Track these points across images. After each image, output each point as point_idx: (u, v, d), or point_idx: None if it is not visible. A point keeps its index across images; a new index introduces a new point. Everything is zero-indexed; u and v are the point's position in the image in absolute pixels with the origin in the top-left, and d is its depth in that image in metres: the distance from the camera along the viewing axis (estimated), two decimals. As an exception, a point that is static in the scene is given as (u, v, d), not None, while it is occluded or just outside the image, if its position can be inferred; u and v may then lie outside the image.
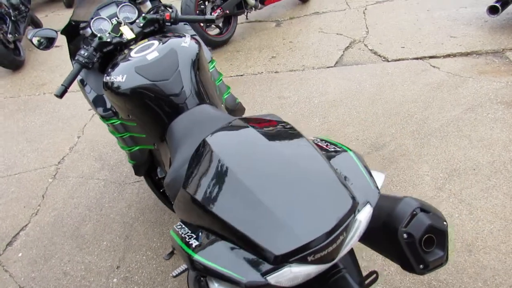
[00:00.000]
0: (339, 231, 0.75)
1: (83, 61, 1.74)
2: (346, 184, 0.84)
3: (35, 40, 1.88)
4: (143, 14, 1.88)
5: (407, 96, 2.90)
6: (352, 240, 0.79)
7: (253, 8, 4.54)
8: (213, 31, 4.31)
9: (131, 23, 1.87)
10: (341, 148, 1.02)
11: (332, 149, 1.03)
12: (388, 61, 3.41)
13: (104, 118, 1.79)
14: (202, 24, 4.06)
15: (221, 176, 0.90)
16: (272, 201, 0.80)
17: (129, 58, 1.54)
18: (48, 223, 2.47)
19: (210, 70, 1.87)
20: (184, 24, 2.03)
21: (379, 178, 0.94)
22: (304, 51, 3.89)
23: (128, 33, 1.82)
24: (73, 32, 1.89)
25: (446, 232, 1.01)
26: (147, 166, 1.92)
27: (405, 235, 1.02)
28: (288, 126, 1.06)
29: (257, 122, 1.08)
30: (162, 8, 1.94)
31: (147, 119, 1.55)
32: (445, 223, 1.02)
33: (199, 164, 1.00)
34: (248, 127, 1.01)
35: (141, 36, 1.86)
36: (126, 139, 1.81)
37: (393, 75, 3.19)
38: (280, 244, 0.74)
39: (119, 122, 1.77)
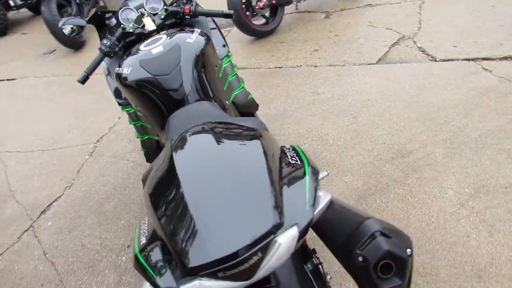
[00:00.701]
0: (252, 251, 0.73)
1: (105, 50, 1.81)
2: (279, 202, 0.81)
3: (67, 28, 1.99)
4: (165, 7, 1.92)
5: (447, 100, 2.70)
6: (271, 262, 0.76)
7: (303, -1, 4.45)
8: (259, 21, 4.29)
9: (154, 14, 1.92)
10: (302, 162, 0.98)
11: (293, 162, 0.99)
12: (436, 61, 3.18)
13: (121, 105, 1.87)
14: (248, 14, 4.05)
15: (168, 180, 0.91)
16: (200, 212, 0.79)
17: (138, 51, 1.59)
18: (78, 197, 2.65)
19: (224, 65, 1.87)
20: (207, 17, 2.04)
21: (325, 198, 0.89)
22: (348, 45, 3.75)
23: (149, 25, 1.87)
24: (99, 21, 1.98)
25: (407, 261, 0.94)
26: (156, 154, 1.98)
27: (360, 258, 0.97)
28: (253, 133, 1.03)
29: (225, 127, 1.06)
30: (184, 1, 1.97)
31: (149, 111, 1.59)
32: (408, 250, 0.94)
33: (159, 164, 1.01)
34: (209, 133, 1.00)
35: (162, 27, 1.90)
36: (138, 127, 1.88)
37: (438, 77, 2.97)
38: (193, 256, 0.74)
39: (132, 111, 1.84)
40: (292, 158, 1.02)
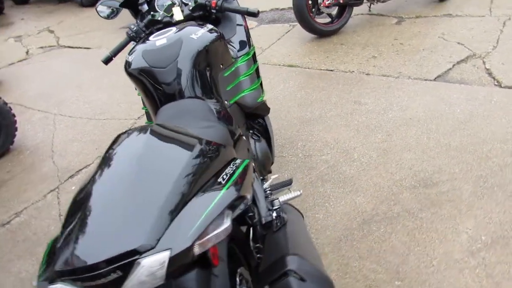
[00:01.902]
0: (110, 268, 0.72)
1: (131, 35, 1.89)
2: (161, 222, 0.79)
3: (103, 10, 2.11)
4: None
5: (497, 133, 2.40)
6: (133, 284, 0.74)
7: (376, 1, 4.21)
8: (323, 19, 4.16)
9: (185, 5, 1.95)
10: (226, 183, 0.94)
11: (220, 180, 0.96)
12: (501, 87, 2.84)
13: (136, 90, 1.95)
14: (313, 11, 3.95)
15: (88, 177, 0.93)
16: (88, 215, 0.80)
17: (145, 41, 1.63)
18: (108, 167, 2.83)
19: (237, 65, 1.85)
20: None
21: (220, 227, 0.84)
22: (410, 56, 3.49)
23: (178, 15, 1.90)
24: (132, 6, 2.06)
25: None
26: None
27: None
28: (191, 144, 1.01)
29: (168, 134, 1.05)
30: None
31: (146, 100, 1.64)
32: None
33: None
34: (143, 136, 1.00)
35: (190, 19, 1.93)
36: (147, 113, 1.95)
37: (496, 105, 2.65)
38: (60, 260, 0.75)
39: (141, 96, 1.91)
40: (224, 175, 0.99)
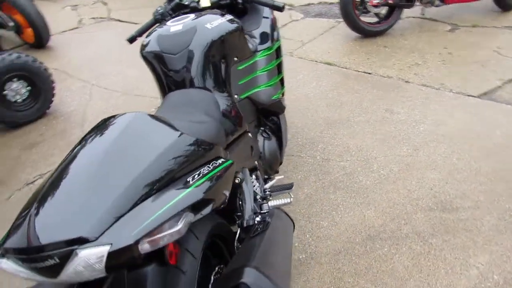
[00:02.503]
0: (47, 254, 0.71)
1: (157, 16, 1.89)
2: (109, 214, 0.77)
3: None
4: None
5: (536, 164, 2.20)
6: (69, 272, 0.73)
7: (430, 4, 3.96)
8: (371, 19, 3.97)
9: None
10: (194, 183, 0.91)
11: (190, 179, 0.93)
12: (551, 114, 2.59)
13: None
14: (360, 8, 3.78)
15: (66, 159, 0.92)
16: (46, 198, 0.80)
17: (163, 26, 1.61)
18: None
19: (256, 59, 1.80)
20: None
21: (172, 228, 0.81)
22: (457, 68, 3.26)
23: (204, 1, 1.87)
24: None
25: None
26: None
27: None
28: (169, 137, 0.98)
29: (151, 123, 1.03)
30: None
31: (157, 84, 1.63)
32: None
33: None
34: (125, 123, 0.98)
35: (217, 7, 1.90)
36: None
37: (541, 133, 2.42)
38: (9, 237, 0.75)
39: None
40: (196, 174, 0.96)
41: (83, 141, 0.96)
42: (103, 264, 0.73)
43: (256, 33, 1.90)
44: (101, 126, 1.01)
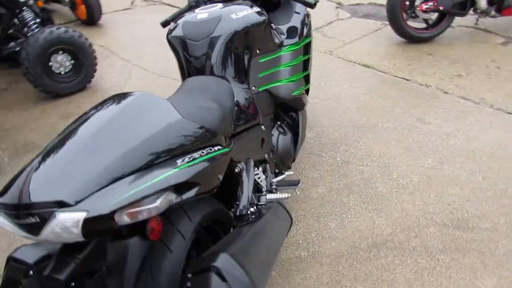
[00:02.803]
0: (28, 212, 0.76)
1: (191, 3, 1.94)
2: (92, 182, 0.81)
3: None
4: None
5: None
6: (47, 233, 0.77)
7: (485, 14, 3.77)
8: (418, 24, 3.84)
9: None
10: (182, 164, 0.94)
11: (180, 161, 0.96)
12: None
13: None
14: (405, 15, 3.67)
15: (69, 127, 0.98)
16: (41, 161, 0.85)
17: (191, 12, 1.65)
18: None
19: (280, 53, 1.80)
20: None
21: (151, 204, 0.84)
22: (502, 83, 3.09)
23: None
24: None
25: None
26: None
27: (188, 283, 0.92)
28: (168, 119, 1.02)
29: (156, 105, 1.07)
30: None
31: (179, 69, 1.68)
32: None
33: None
34: (129, 100, 1.03)
35: None
36: None
37: None
38: (2, 192, 0.81)
39: None
40: (187, 157, 0.99)
41: (89, 112, 1.02)
42: (79, 229, 0.78)
43: (285, 27, 1.91)
44: (108, 101, 1.06)
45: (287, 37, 1.86)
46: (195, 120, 1.09)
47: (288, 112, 1.94)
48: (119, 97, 1.07)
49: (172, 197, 0.91)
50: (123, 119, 0.97)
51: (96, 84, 3.59)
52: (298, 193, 2.06)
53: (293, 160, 1.96)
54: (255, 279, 0.92)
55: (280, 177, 1.77)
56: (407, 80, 3.26)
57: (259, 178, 1.51)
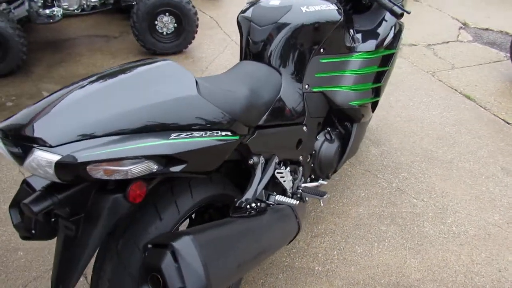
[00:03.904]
0: (16, 142, 0.83)
1: None
2: (79, 131, 0.85)
3: None
4: None
5: None
6: (28, 164, 0.82)
7: None
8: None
9: None
10: (174, 138, 0.95)
11: (175, 134, 0.97)
12: None
13: None
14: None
15: (95, 74, 1.05)
16: (50, 99, 0.91)
17: None
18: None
19: (348, 58, 1.70)
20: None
21: (124, 167, 0.86)
22: None
23: None
24: None
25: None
26: None
27: (146, 252, 0.94)
28: (186, 91, 1.03)
29: (181, 71, 1.08)
30: None
31: (240, 50, 1.68)
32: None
33: None
34: (156, 65, 1.06)
35: None
36: None
37: None
38: (6, 120, 0.89)
39: None
40: (186, 134, 0.99)
41: (112, 68, 1.07)
42: (52, 170, 0.83)
43: (366, 33, 1.79)
44: (135, 62, 1.10)
45: (363, 43, 1.75)
46: (212, 101, 1.09)
47: (343, 121, 1.84)
48: (145, 61, 1.10)
49: (153, 167, 0.92)
50: (136, 81, 1.00)
51: (191, 51, 3.78)
52: (322, 204, 1.96)
53: (334, 171, 1.87)
54: (212, 273, 0.90)
55: (311, 184, 1.69)
56: (508, 123, 2.86)
57: (283, 177, 1.47)
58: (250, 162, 1.31)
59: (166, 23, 3.52)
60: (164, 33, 3.56)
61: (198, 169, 1.07)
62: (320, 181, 1.75)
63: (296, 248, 1.89)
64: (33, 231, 1.04)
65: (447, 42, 4.17)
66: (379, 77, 1.89)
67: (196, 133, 1.02)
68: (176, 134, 0.97)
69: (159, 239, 0.95)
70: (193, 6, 3.57)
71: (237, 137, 1.13)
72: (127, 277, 1.05)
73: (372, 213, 2.08)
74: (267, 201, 1.32)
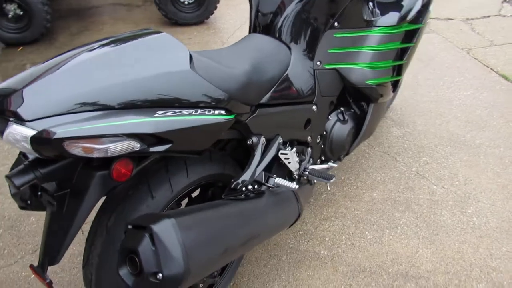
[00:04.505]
0: None
1: None
2: (59, 106, 0.81)
3: None
4: None
5: None
6: (5, 136, 0.79)
7: None
8: None
9: None
10: (159, 116, 0.89)
11: (161, 112, 0.91)
12: None
13: None
14: None
15: (86, 45, 0.99)
16: (38, 69, 0.87)
17: None
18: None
19: (365, 33, 1.57)
20: None
21: (102, 145, 0.82)
22: None
23: None
24: None
25: (145, 276, 0.82)
26: None
27: (125, 233, 0.91)
28: (175, 65, 0.97)
29: (175, 46, 1.02)
30: None
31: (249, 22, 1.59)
32: (159, 275, 0.82)
33: None
34: (148, 37, 1.00)
35: None
36: None
37: None
38: None
39: None
40: (174, 112, 0.93)
41: (105, 38, 1.01)
42: (28, 144, 0.79)
43: (388, 5, 1.65)
44: (131, 33, 1.04)
45: (384, 17, 1.61)
46: (206, 77, 1.01)
47: (358, 101, 1.73)
48: (139, 32, 1.04)
49: (136, 146, 0.87)
50: (124, 53, 0.94)
51: (213, 21, 3.68)
52: (329, 188, 1.88)
53: (347, 154, 1.77)
54: (193, 259, 0.86)
55: (320, 166, 1.61)
56: (548, 108, 2.64)
57: (287, 159, 1.39)
58: (249, 142, 1.24)
59: (188, -7, 3.44)
60: (186, 2, 3.48)
61: (186, 149, 1.02)
62: (330, 164, 1.66)
63: (302, 231, 1.83)
64: (29, 202, 1.03)
65: (488, 16, 3.88)
66: (402, 54, 1.75)
67: (185, 111, 0.95)
68: (162, 112, 0.92)
69: (139, 220, 0.91)
70: None
71: (231, 116, 1.06)
72: (116, 253, 1.03)
73: (387, 198, 1.99)
74: (266, 184, 1.26)
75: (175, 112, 0.93)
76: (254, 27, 1.51)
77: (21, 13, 3.20)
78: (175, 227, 0.86)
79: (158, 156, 1.11)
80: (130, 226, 0.89)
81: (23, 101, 0.80)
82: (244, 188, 1.19)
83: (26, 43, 3.27)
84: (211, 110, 1.01)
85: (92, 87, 0.85)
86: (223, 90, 1.05)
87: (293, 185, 1.24)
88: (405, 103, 2.66)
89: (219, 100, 1.04)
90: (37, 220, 1.91)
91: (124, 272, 0.86)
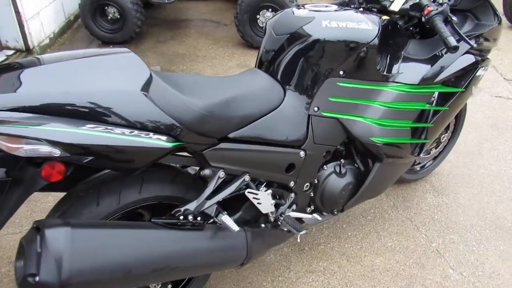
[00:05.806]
0: None
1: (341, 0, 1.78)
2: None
3: None
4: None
5: None
6: None
7: None
8: None
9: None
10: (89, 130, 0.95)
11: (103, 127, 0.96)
12: None
13: None
14: None
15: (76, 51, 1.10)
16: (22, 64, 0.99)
17: (301, 7, 1.49)
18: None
19: (380, 88, 1.47)
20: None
21: (11, 144, 0.88)
22: None
23: (396, 4, 1.62)
24: None
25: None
26: None
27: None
28: (129, 87, 1.02)
29: (139, 69, 1.07)
30: (443, 2, 1.49)
31: None
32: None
33: None
34: (116, 54, 1.07)
35: (404, 16, 1.61)
36: None
37: None
38: None
39: None
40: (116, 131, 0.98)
41: (89, 50, 1.10)
42: None
43: (415, 61, 1.52)
44: (106, 50, 1.12)
45: (406, 73, 1.49)
46: (156, 101, 1.03)
47: (364, 156, 1.60)
48: (114, 50, 1.11)
49: (55, 152, 0.91)
50: (84, 66, 1.00)
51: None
52: (298, 240, 1.75)
53: (342, 210, 1.64)
54: (77, 273, 0.88)
55: (302, 215, 1.51)
56: None
57: (257, 199, 1.35)
58: (202, 173, 1.23)
59: (266, 18, 3.53)
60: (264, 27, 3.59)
61: (112, 166, 1.05)
62: (315, 215, 1.56)
63: (283, 277, 1.74)
64: None
65: None
66: (427, 117, 1.59)
67: (118, 129, 0.99)
68: (92, 126, 0.96)
69: (44, 222, 0.96)
70: (294, 2, 3.51)
71: (171, 144, 1.07)
72: None
73: (389, 268, 1.80)
74: (215, 218, 1.24)
75: (106, 129, 0.97)
76: (259, 63, 1.50)
77: (118, 16, 3.61)
78: (68, 236, 0.89)
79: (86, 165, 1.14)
80: (35, 225, 0.94)
81: None
82: (182, 217, 1.19)
83: (116, 43, 3.67)
84: (150, 133, 1.04)
85: (35, 90, 0.94)
86: (172, 117, 1.07)
87: (235, 227, 1.20)
88: (454, 170, 2.39)
89: (164, 125, 1.06)
90: (54, 199, 2.10)
91: (19, 265, 0.91)
